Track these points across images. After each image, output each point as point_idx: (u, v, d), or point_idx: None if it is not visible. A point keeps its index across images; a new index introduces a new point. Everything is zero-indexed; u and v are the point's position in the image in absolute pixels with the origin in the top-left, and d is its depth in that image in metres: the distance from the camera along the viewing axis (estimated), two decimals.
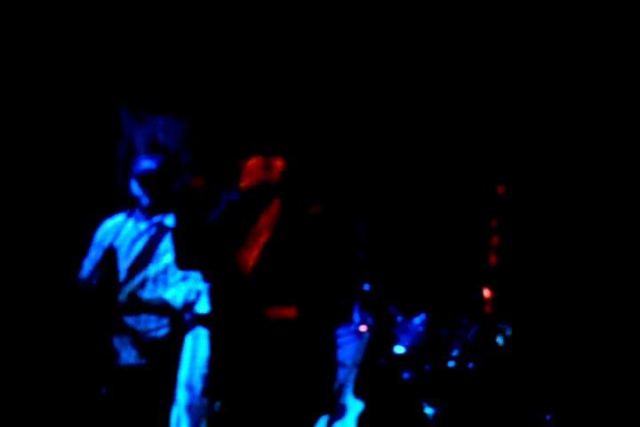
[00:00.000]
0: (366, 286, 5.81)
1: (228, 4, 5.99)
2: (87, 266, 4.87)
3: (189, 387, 4.74)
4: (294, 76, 6.09)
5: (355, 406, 5.50)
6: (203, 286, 4.69)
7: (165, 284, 4.75)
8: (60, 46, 5.91)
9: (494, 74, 5.88)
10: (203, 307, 4.97)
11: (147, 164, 4.86)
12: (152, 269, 4.75)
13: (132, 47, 6.02)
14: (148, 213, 4.89)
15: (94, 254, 4.89)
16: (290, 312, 3.59)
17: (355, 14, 5.93)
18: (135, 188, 4.87)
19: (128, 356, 4.72)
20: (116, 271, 4.73)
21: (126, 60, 6.05)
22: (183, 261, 3.74)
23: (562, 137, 5.78)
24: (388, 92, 6.06)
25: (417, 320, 5.95)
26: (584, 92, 5.68)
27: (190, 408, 4.86)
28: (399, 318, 5.96)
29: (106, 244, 4.81)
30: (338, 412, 5.38)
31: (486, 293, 4.45)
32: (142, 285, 4.76)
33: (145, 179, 4.83)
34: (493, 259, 4.41)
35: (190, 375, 4.95)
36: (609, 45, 5.64)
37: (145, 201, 4.88)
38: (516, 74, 5.82)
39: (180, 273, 4.75)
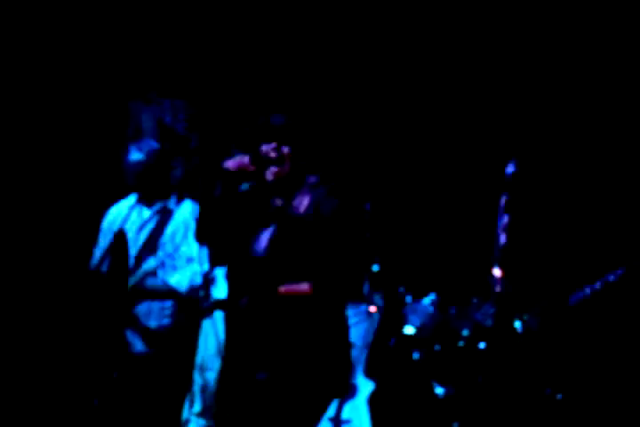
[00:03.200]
0: (376, 267, 5.80)
1: None
2: (97, 254, 4.87)
3: (202, 369, 4.75)
4: (302, 63, 6.07)
5: (365, 387, 5.50)
6: (208, 268, 4.69)
7: (172, 268, 4.75)
8: (66, 29, 5.90)
9: (504, 54, 5.86)
10: (220, 292, 4.97)
11: (135, 156, 4.82)
12: (156, 257, 4.74)
13: (139, 30, 6.01)
14: (148, 200, 4.88)
15: (103, 242, 4.88)
16: (303, 290, 3.58)
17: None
18: (129, 179, 4.86)
19: (136, 344, 4.72)
20: (126, 257, 4.73)
21: (133, 43, 6.03)
22: (203, 236, 3.71)
23: (572, 116, 5.75)
24: (398, 74, 6.05)
25: (426, 301, 5.94)
26: (595, 73, 5.65)
27: (203, 390, 4.86)
28: (409, 299, 5.96)
29: (114, 231, 4.80)
30: (349, 392, 5.38)
31: (497, 272, 4.43)
32: (149, 272, 4.76)
33: (134, 172, 4.82)
34: (503, 238, 4.39)
35: (204, 358, 4.95)
36: (615, 31, 5.62)
37: (140, 192, 4.88)
38: (525, 54, 5.80)
39: (185, 255, 4.75)
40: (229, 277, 3.73)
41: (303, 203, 3.66)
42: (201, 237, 3.70)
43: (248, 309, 3.61)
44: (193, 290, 4.70)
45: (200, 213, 3.67)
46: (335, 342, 3.64)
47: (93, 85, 6.01)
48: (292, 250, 3.60)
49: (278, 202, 3.71)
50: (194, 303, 4.74)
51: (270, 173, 3.68)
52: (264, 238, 3.66)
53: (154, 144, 4.91)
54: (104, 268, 4.70)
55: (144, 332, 4.69)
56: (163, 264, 4.75)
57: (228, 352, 3.68)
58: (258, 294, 3.59)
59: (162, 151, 4.86)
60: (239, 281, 3.67)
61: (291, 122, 3.72)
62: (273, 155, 3.66)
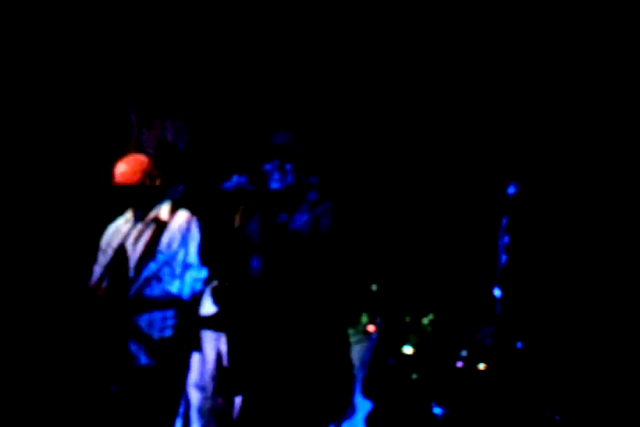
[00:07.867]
0: (374, 287, 5.80)
1: (234, 9, 6.02)
2: (97, 271, 4.88)
3: (201, 387, 4.72)
4: (301, 76, 6.09)
5: (363, 406, 5.49)
6: (205, 275, 4.69)
7: (171, 276, 4.75)
8: (69, 50, 5.93)
9: (506, 70, 5.87)
10: (208, 308, 4.96)
11: (121, 172, 4.85)
12: (153, 266, 4.74)
13: (140, 52, 6.04)
14: (143, 212, 4.90)
15: (102, 259, 4.90)
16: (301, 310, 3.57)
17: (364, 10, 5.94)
18: (119, 196, 4.88)
19: (141, 356, 4.71)
20: (126, 273, 4.73)
21: (134, 65, 6.06)
22: (206, 258, 3.70)
23: (573, 136, 5.77)
24: (399, 88, 6.06)
25: (425, 320, 5.94)
26: (597, 92, 5.66)
27: (201, 409, 4.83)
28: (408, 319, 5.95)
29: (112, 247, 4.81)
30: (347, 412, 5.36)
31: (497, 293, 4.43)
32: (148, 282, 4.76)
33: (123, 190, 4.84)
34: (504, 258, 4.39)
35: (201, 376, 4.92)
36: (616, 42, 5.63)
37: (133, 208, 4.90)
38: (528, 71, 5.81)
39: (182, 262, 4.75)
40: (224, 296, 3.71)
41: (302, 220, 3.66)
42: (203, 256, 3.69)
43: (246, 327, 3.59)
44: (195, 297, 4.70)
45: (202, 233, 3.66)
46: (335, 362, 3.63)
47: (96, 104, 6.03)
48: (288, 269, 3.59)
49: (277, 219, 3.71)
50: (195, 311, 4.73)
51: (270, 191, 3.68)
52: (260, 258, 3.64)
53: (141, 157, 4.94)
54: (104, 284, 4.70)
55: (147, 343, 4.68)
56: (161, 273, 4.75)
57: (228, 370, 3.67)
58: (255, 312, 3.57)
59: (153, 165, 4.88)
60: (235, 300, 3.66)
61: (294, 140, 3.73)
62: (276, 173, 3.67)
